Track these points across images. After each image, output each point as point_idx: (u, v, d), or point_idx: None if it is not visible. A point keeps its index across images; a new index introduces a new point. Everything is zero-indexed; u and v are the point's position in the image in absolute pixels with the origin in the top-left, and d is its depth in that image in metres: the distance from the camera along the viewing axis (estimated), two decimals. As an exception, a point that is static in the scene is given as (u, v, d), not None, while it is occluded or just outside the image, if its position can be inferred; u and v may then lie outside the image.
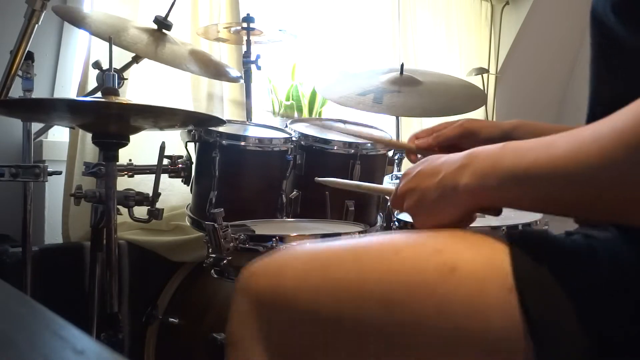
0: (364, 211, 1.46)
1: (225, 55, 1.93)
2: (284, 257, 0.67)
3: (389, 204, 0.75)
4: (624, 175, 0.46)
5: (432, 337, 0.57)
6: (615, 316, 0.52)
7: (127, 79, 1.45)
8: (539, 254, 0.56)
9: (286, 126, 1.52)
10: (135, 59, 1.40)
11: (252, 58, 1.67)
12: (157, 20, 1.41)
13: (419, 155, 0.93)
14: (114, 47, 1.14)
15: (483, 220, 1.39)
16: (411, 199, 0.66)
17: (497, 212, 0.64)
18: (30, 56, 1.26)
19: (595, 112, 0.63)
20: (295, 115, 2.19)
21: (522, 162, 0.53)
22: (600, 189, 0.48)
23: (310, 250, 0.67)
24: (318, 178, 0.95)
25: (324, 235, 1.12)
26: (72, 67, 1.79)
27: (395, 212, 1.50)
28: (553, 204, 0.54)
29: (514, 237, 0.60)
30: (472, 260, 0.58)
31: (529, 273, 0.55)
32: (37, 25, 1.16)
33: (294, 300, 0.62)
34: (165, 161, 1.35)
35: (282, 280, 0.63)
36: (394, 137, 1.61)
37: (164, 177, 1.36)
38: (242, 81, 1.68)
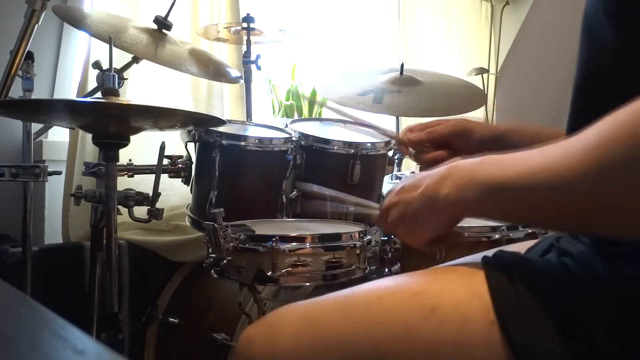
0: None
1: (225, 55, 1.93)
2: (277, 320, 0.68)
3: (374, 222, 0.76)
4: (591, 192, 0.47)
5: None
6: (597, 332, 0.53)
7: (127, 79, 1.45)
8: (515, 281, 0.58)
9: (286, 126, 1.52)
10: (135, 59, 1.40)
11: (252, 58, 1.67)
12: (157, 20, 1.41)
13: (410, 149, 0.93)
14: (114, 47, 1.14)
15: (483, 221, 1.39)
16: (394, 213, 0.67)
17: (456, 236, 0.66)
18: (30, 56, 1.26)
19: (578, 114, 0.64)
20: (295, 115, 2.19)
21: (498, 175, 0.54)
22: (571, 204, 0.49)
23: (301, 309, 0.68)
24: (300, 182, 0.96)
25: (324, 236, 1.12)
26: (72, 67, 1.79)
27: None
28: (525, 216, 0.56)
29: (489, 264, 0.62)
30: (452, 297, 0.60)
31: (509, 303, 0.57)
32: (37, 25, 1.16)
33: None
34: (165, 161, 1.35)
35: (277, 343, 0.65)
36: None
37: (164, 177, 1.36)
38: (242, 81, 1.68)
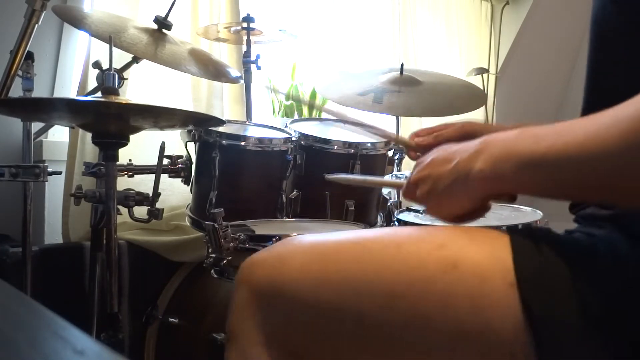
0: (364, 211, 1.46)
1: (225, 55, 1.93)
2: (285, 249, 0.66)
3: (400, 195, 0.75)
4: None
5: (434, 332, 0.57)
6: (616, 312, 0.52)
7: (127, 78, 1.45)
8: (540, 250, 0.56)
9: (286, 126, 1.52)
10: (135, 59, 1.40)
11: (252, 58, 1.67)
12: (157, 20, 1.41)
13: (418, 153, 0.92)
14: (114, 47, 1.14)
15: (483, 220, 1.39)
16: (424, 187, 0.65)
17: (511, 199, 0.63)
18: (30, 56, 1.26)
19: (591, 101, 0.63)
20: (295, 115, 2.19)
21: (539, 148, 0.52)
22: (620, 174, 0.48)
23: (312, 242, 0.66)
24: (328, 175, 0.95)
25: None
26: (72, 67, 1.79)
27: (395, 212, 1.50)
28: (569, 189, 0.54)
29: (516, 232, 0.60)
30: (474, 256, 0.58)
31: (531, 268, 0.55)
32: (37, 25, 1.16)
33: (295, 291, 0.62)
34: (165, 161, 1.35)
35: (282, 271, 0.63)
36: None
37: (164, 177, 1.36)
38: (242, 81, 1.68)
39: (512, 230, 0.61)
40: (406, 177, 0.71)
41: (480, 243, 0.60)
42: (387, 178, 0.94)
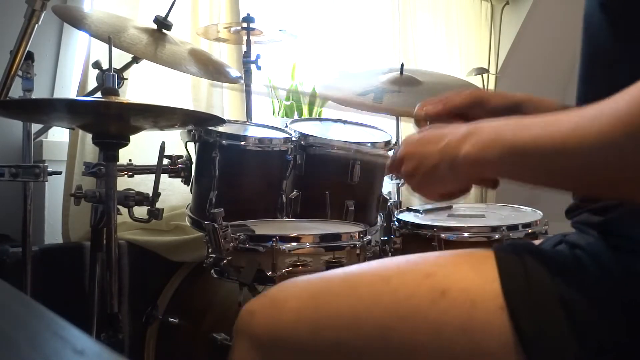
0: (364, 211, 1.46)
1: (225, 55, 1.93)
2: (280, 293, 0.68)
3: (386, 169, 0.74)
4: (622, 155, 0.46)
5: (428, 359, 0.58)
6: (605, 323, 0.53)
7: (127, 79, 1.45)
8: (527, 270, 0.57)
9: (286, 126, 1.53)
10: (135, 59, 1.40)
11: (252, 58, 1.67)
12: (157, 20, 1.41)
13: (428, 123, 0.90)
14: (113, 47, 1.14)
15: (483, 220, 1.40)
16: (410, 164, 0.65)
17: (494, 185, 0.64)
18: (30, 56, 1.26)
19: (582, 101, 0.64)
20: (295, 115, 2.19)
21: (524, 136, 0.53)
22: (598, 167, 0.48)
23: (305, 284, 0.68)
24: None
25: (324, 236, 1.12)
26: (72, 67, 1.79)
27: (396, 212, 1.50)
28: (550, 178, 0.55)
29: (500, 251, 0.61)
30: (462, 282, 0.59)
31: (519, 291, 0.56)
32: (37, 25, 1.15)
33: (292, 337, 0.64)
34: (165, 161, 1.35)
35: (279, 318, 0.64)
36: (394, 138, 1.61)
37: (164, 177, 1.36)
38: (242, 81, 1.68)
39: (497, 249, 0.62)
40: (394, 152, 0.71)
41: (467, 268, 0.61)
42: (372, 149, 0.92)
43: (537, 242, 0.77)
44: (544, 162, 0.52)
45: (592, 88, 0.62)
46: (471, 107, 0.82)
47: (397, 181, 1.58)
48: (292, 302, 0.65)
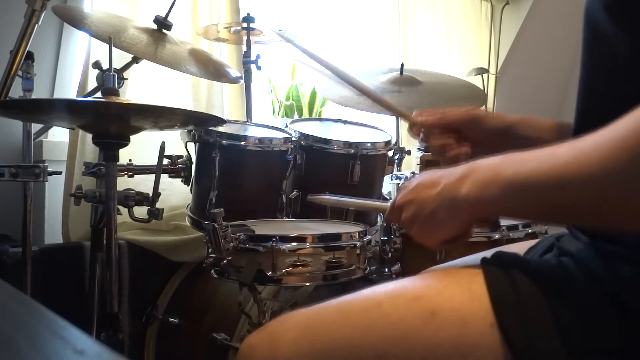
0: (364, 211, 1.46)
1: (225, 55, 1.93)
2: (277, 327, 0.68)
3: (385, 217, 0.74)
4: (626, 183, 0.46)
5: None
6: (596, 332, 0.53)
7: (127, 79, 1.45)
8: (515, 284, 0.58)
9: (286, 126, 1.52)
10: (135, 59, 1.40)
11: (252, 58, 1.67)
12: (157, 20, 1.41)
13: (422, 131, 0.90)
14: (114, 47, 1.13)
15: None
16: (409, 211, 0.65)
17: (494, 226, 0.65)
18: (30, 56, 1.26)
19: (584, 109, 0.63)
20: (295, 115, 2.19)
21: (523, 172, 0.52)
22: (602, 197, 0.48)
23: (301, 316, 0.68)
24: (310, 196, 0.95)
25: (324, 236, 1.12)
26: (72, 67, 1.79)
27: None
28: (554, 212, 0.54)
29: (488, 267, 0.61)
30: (451, 301, 0.60)
31: (508, 304, 0.57)
32: (37, 25, 1.15)
33: None
34: (165, 161, 1.35)
35: (277, 350, 0.65)
36: (394, 138, 1.61)
37: (164, 177, 1.36)
38: (242, 81, 1.68)
39: (485, 264, 0.62)
40: (392, 199, 0.71)
41: (455, 287, 0.61)
42: (371, 202, 0.93)
43: (531, 243, 0.78)
44: (546, 195, 0.51)
45: (594, 84, 0.62)
46: (467, 125, 0.83)
47: (397, 181, 1.58)
48: (289, 334, 0.65)
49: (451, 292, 0.61)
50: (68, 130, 1.67)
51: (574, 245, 0.62)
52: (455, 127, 0.84)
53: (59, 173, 1.32)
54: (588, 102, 0.62)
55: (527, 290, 0.57)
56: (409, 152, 1.65)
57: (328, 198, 0.93)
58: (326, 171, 1.44)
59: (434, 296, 0.61)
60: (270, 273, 1.06)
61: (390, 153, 1.56)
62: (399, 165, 1.62)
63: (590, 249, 0.58)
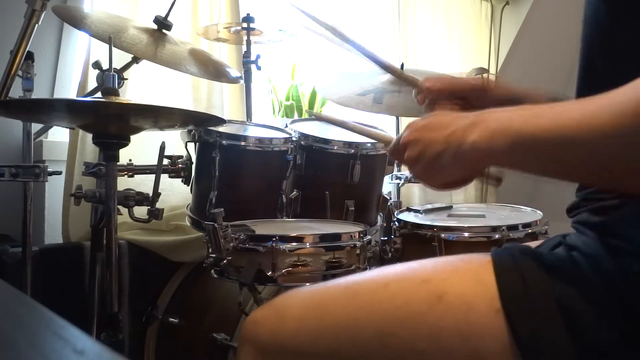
0: (364, 211, 1.46)
1: (225, 55, 1.93)
2: (283, 302, 0.69)
3: (387, 152, 0.72)
4: (633, 144, 0.46)
5: None
6: (602, 325, 0.53)
7: (127, 79, 1.45)
8: (523, 273, 0.57)
9: (286, 126, 1.52)
10: (135, 59, 1.40)
11: (252, 58, 1.67)
12: (157, 20, 1.41)
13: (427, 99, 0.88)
14: (114, 47, 1.13)
15: (483, 220, 1.40)
16: (414, 150, 0.63)
17: (497, 181, 0.64)
18: (30, 56, 1.26)
19: (584, 86, 0.64)
20: (295, 115, 2.19)
21: (533, 125, 0.52)
22: (610, 155, 0.48)
23: (308, 292, 0.69)
24: (310, 111, 0.93)
25: (324, 236, 1.12)
26: (72, 67, 1.79)
27: (396, 212, 1.50)
28: (560, 168, 0.53)
29: (497, 255, 0.61)
30: (458, 286, 0.59)
31: (515, 294, 0.56)
32: (37, 25, 1.15)
33: (296, 344, 0.65)
34: (165, 161, 1.35)
35: (282, 326, 0.65)
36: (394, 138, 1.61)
37: (164, 177, 1.36)
38: (242, 81, 1.68)
39: (494, 254, 0.62)
40: (398, 135, 0.69)
41: (463, 272, 0.61)
42: (374, 130, 0.90)
43: (537, 243, 0.77)
44: (554, 151, 0.51)
45: (592, 80, 0.62)
46: (473, 93, 0.81)
47: (397, 181, 1.58)
48: (294, 310, 0.66)
49: (459, 277, 0.60)
50: (68, 130, 1.67)
51: (580, 240, 0.61)
52: (462, 95, 0.81)
53: (59, 173, 1.32)
54: (588, 79, 0.62)
55: (536, 282, 0.56)
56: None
57: (328, 116, 0.91)
58: (326, 171, 1.44)
59: (441, 280, 0.60)
60: (270, 273, 1.06)
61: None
62: (399, 165, 1.62)
63: (598, 245, 0.58)
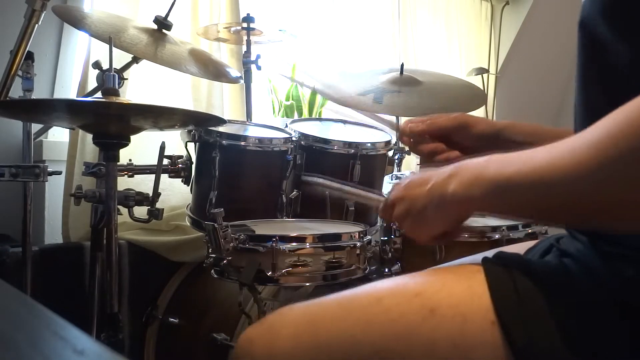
0: (364, 211, 1.46)
1: (225, 55, 1.93)
2: (277, 320, 0.68)
3: (378, 213, 0.76)
4: (597, 186, 0.48)
5: None
6: (597, 331, 0.53)
7: (127, 79, 1.45)
8: (516, 283, 0.58)
9: (286, 126, 1.52)
10: (135, 59, 1.40)
11: (252, 58, 1.67)
12: (157, 20, 1.41)
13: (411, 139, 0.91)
14: (114, 47, 1.13)
15: (483, 220, 1.40)
16: (400, 207, 0.67)
17: (480, 233, 0.66)
18: (30, 56, 1.26)
19: (582, 114, 0.63)
20: (295, 115, 2.19)
21: (505, 172, 0.54)
22: (576, 198, 0.50)
23: (301, 310, 0.68)
24: (305, 175, 0.95)
25: (324, 236, 1.12)
26: (72, 67, 1.79)
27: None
28: (533, 212, 0.57)
29: (489, 265, 0.62)
30: (451, 298, 0.60)
31: (509, 303, 0.57)
32: (37, 25, 1.15)
33: None
34: (165, 161, 1.35)
35: (277, 345, 0.65)
36: (394, 138, 1.61)
37: (164, 177, 1.36)
38: (242, 81, 1.68)
39: (486, 263, 0.63)
40: (387, 194, 0.73)
41: (455, 284, 0.62)
42: (366, 193, 0.93)
43: (531, 244, 0.78)
44: (525, 196, 0.53)
45: (593, 99, 0.62)
46: (455, 131, 0.84)
47: (397, 181, 1.58)
48: (288, 328, 0.65)
49: (451, 289, 0.61)
50: (68, 130, 1.67)
51: (573, 246, 0.62)
52: (445, 133, 0.85)
53: (59, 173, 1.32)
54: (588, 118, 0.62)
55: (529, 290, 0.57)
56: (409, 152, 1.64)
57: (323, 181, 0.93)
58: (326, 171, 1.44)
59: (434, 293, 0.61)
60: (270, 273, 1.06)
61: (390, 153, 1.56)
62: (399, 165, 1.61)
63: (590, 250, 0.59)
